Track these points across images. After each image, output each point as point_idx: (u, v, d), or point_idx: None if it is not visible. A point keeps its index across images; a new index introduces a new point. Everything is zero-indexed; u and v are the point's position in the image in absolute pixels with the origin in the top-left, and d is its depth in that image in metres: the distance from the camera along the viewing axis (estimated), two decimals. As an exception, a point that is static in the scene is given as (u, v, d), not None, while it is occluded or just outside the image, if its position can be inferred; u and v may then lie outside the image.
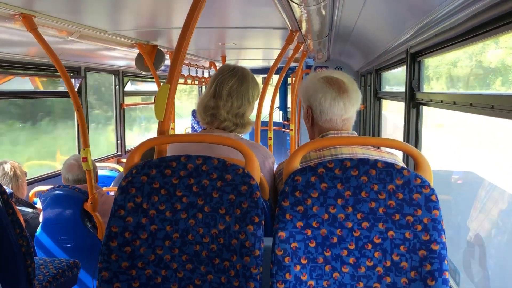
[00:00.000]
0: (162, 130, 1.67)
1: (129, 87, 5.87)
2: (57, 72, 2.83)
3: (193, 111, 8.02)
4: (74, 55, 4.02)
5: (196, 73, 6.71)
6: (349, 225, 1.36)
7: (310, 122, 1.75)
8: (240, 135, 1.92)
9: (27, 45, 3.31)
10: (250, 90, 1.85)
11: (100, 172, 4.26)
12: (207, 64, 6.64)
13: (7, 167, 3.26)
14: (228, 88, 1.83)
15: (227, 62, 5.89)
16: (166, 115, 1.65)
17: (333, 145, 1.60)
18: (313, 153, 1.61)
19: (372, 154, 1.58)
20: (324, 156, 1.58)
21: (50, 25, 2.73)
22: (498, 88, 2.04)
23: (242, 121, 1.85)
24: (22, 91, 4.20)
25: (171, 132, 5.13)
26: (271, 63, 3.59)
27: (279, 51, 3.47)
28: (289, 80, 8.49)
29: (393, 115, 4.33)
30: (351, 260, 1.36)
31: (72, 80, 4.20)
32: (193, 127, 8.23)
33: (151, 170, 1.45)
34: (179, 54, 1.64)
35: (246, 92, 1.84)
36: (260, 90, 1.91)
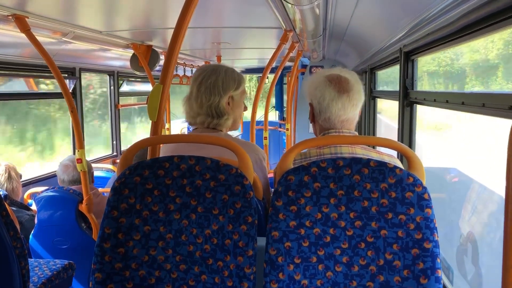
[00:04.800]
0: (155, 130, 1.67)
1: (124, 87, 5.86)
2: (51, 73, 2.83)
3: None
4: (68, 56, 4.01)
5: (191, 73, 6.70)
6: (342, 224, 1.36)
7: (311, 118, 1.75)
8: (229, 132, 1.92)
9: (21, 46, 3.30)
10: (219, 81, 1.82)
11: (96, 173, 4.25)
12: (202, 64, 6.63)
13: (2, 169, 3.24)
14: (198, 84, 1.82)
15: (222, 62, 5.89)
16: (159, 115, 1.65)
17: (325, 144, 1.60)
18: (313, 151, 1.61)
19: (372, 155, 1.57)
20: (323, 154, 1.58)
21: (43, 26, 2.72)
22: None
23: (217, 110, 1.82)
24: (15, 92, 4.18)
25: (166, 133, 5.12)
26: (267, 63, 3.59)
27: (274, 50, 3.47)
28: (285, 79, 8.49)
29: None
30: (344, 259, 1.36)
31: (67, 81, 4.18)
32: (189, 128, 8.22)
33: (144, 171, 1.45)
34: (172, 54, 1.64)
35: (215, 84, 1.81)
36: (240, 82, 1.88)
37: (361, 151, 1.59)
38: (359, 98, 1.68)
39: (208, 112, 1.81)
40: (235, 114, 1.89)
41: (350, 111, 1.66)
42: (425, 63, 2.67)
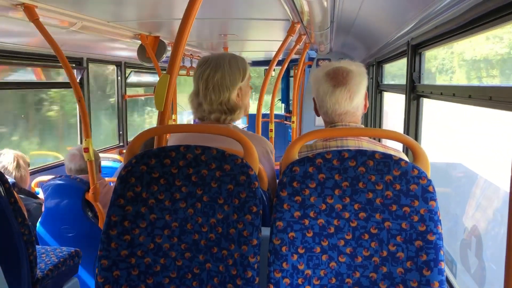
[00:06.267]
0: (162, 120, 1.68)
1: (132, 78, 5.88)
2: (59, 62, 2.84)
3: None
4: (76, 45, 4.02)
5: None
6: (346, 215, 1.37)
7: (316, 112, 1.78)
8: (236, 123, 1.91)
9: (29, 36, 3.31)
10: (226, 77, 1.78)
11: (103, 163, 4.28)
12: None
13: (10, 157, 3.28)
14: (204, 82, 1.78)
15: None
16: (166, 105, 1.66)
17: (329, 136, 1.61)
18: (319, 143, 1.62)
19: (378, 149, 1.57)
20: (330, 146, 1.59)
21: (51, 15, 2.73)
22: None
23: (228, 106, 1.79)
24: (23, 81, 4.20)
25: (172, 124, 5.14)
26: (273, 55, 3.59)
27: (281, 43, 3.46)
28: (292, 72, 8.47)
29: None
30: (348, 250, 1.37)
31: (74, 71, 4.20)
32: (195, 120, 8.22)
33: (151, 160, 1.46)
34: (179, 44, 1.65)
35: (222, 80, 1.77)
36: (245, 71, 1.84)
37: (367, 145, 1.59)
38: (357, 90, 1.66)
39: (220, 109, 1.79)
40: (244, 103, 1.87)
41: (346, 104, 1.66)
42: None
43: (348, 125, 1.68)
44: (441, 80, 2.67)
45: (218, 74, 1.77)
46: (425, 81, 2.50)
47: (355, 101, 1.67)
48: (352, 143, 1.59)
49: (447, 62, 2.56)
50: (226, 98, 1.78)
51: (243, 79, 1.83)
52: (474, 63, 2.24)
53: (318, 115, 1.78)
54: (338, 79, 1.66)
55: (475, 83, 2.08)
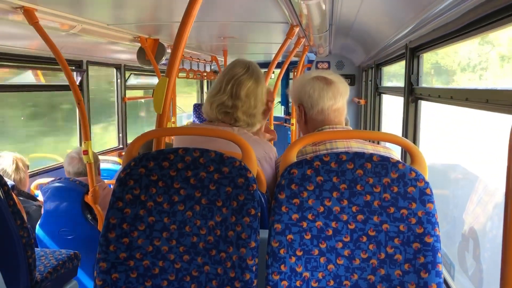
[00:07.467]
0: (161, 123, 1.69)
1: (131, 81, 5.88)
2: (59, 65, 2.85)
3: (195, 105, 8.00)
4: (75, 48, 4.03)
5: (198, 67, 6.70)
6: (344, 217, 1.37)
7: (303, 119, 1.78)
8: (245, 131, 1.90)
9: (29, 39, 3.32)
10: (263, 90, 1.85)
11: (103, 165, 4.28)
12: (208, 58, 6.64)
13: (9, 160, 3.28)
14: (246, 90, 1.81)
15: (228, 56, 5.88)
16: (164, 108, 1.67)
17: (330, 138, 1.62)
18: (308, 148, 1.63)
19: (367, 148, 1.59)
20: (319, 150, 1.60)
21: (51, 18, 2.74)
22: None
23: (253, 120, 1.84)
24: (23, 84, 4.21)
25: (172, 126, 5.14)
26: (273, 57, 3.60)
27: (280, 45, 3.48)
28: (291, 74, 8.48)
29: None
30: (346, 252, 1.37)
31: (74, 73, 4.21)
32: (194, 122, 8.21)
33: (149, 163, 1.47)
34: (178, 47, 1.66)
35: (261, 93, 1.84)
36: (268, 91, 1.93)
37: (356, 144, 1.61)
38: (345, 88, 1.78)
39: (248, 120, 1.82)
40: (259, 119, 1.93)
41: (340, 99, 1.74)
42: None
43: (336, 128, 1.72)
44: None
45: (260, 87, 1.84)
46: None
47: (345, 98, 1.77)
48: (341, 145, 1.61)
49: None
50: (257, 111, 1.84)
51: (266, 96, 1.91)
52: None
53: (304, 123, 1.79)
54: (327, 79, 1.76)
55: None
